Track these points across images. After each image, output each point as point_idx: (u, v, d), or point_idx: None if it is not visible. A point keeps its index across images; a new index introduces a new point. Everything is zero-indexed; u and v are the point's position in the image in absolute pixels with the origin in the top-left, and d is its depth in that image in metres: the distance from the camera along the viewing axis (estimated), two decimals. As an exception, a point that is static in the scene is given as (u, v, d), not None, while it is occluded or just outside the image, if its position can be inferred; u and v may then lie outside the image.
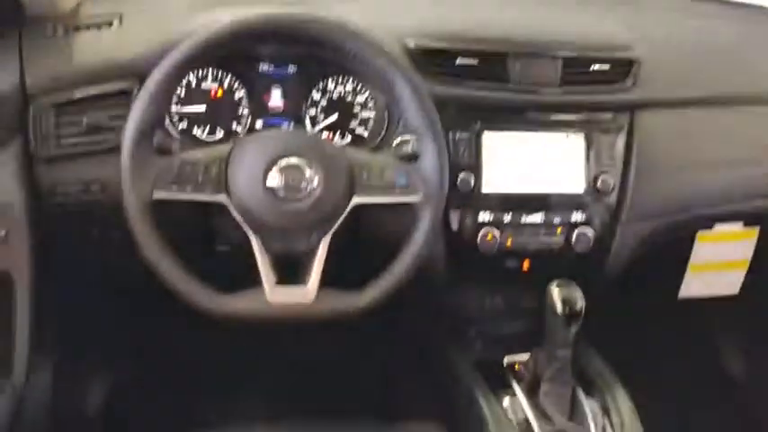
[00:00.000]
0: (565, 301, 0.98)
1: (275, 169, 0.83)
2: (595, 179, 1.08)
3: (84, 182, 0.94)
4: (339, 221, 0.86)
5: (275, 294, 0.83)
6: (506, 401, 1.05)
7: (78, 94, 0.93)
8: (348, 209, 0.86)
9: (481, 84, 1.05)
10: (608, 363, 1.16)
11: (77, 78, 0.94)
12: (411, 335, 1.34)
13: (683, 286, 1.23)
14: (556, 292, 0.99)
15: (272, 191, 0.83)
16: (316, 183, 0.84)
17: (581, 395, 1.05)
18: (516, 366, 1.11)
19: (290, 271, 0.88)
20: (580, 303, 0.98)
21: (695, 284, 1.24)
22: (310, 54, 1.02)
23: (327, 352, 1.36)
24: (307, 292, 0.84)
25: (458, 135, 1.04)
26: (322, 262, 0.85)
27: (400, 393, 1.27)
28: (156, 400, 1.31)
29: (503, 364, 1.12)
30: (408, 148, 0.94)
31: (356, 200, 0.86)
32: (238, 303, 0.83)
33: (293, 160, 0.84)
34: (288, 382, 1.38)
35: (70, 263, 1.03)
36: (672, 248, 1.22)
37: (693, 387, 1.45)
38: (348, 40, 0.90)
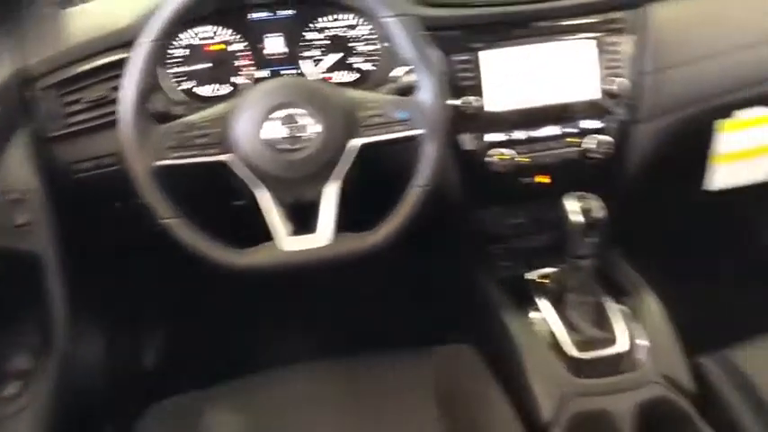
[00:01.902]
0: (583, 212, 0.98)
1: (272, 121, 0.83)
2: (610, 83, 1.05)
3: (97, 156, 0.96)
4: (347, 165, 0.87)
5: (290, 243, 0.85)
6: (533, 315, 1.07)
7: (76, 70, 0.95)
8: (353, 151, 0.87)
9: (475, 1, 1.03)
10: (637, 267, 1.17)
11: (73, 55, 0.95)
12: (439, 260, 1.35)
13: (707, 178, 1.20)
14: (572, 203, 0.99)
15: (271, 143, 0.83)
16: (315, 129, 0.84)
17: (608, 303, 1.06)
18: (540, 280, 1.12)
19: (307, 220, 0.90)
20: (598, 212, 0.98)
21: (721, 175, 1.21)
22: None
23: (358, 285, 1.39)
24: (320, 238, 0.86)
25: (456, 57, 1.03)
26: (334, 207, 0.86)
27: (429, 318, 1.30)
28: (206, 350, 1.38)
29: (527, 280, 1.14)
30: (404, 81, 0.94)
31: (359, 141, 0.86)
32: (255, 256, 0.85)
33: (289, 110, 0.84)
34: (324, 315, 1.43)
35: (98, 234, 1.07)
36: (694, 143, 1.19)
37: (728, 282, 1.45)
38: None
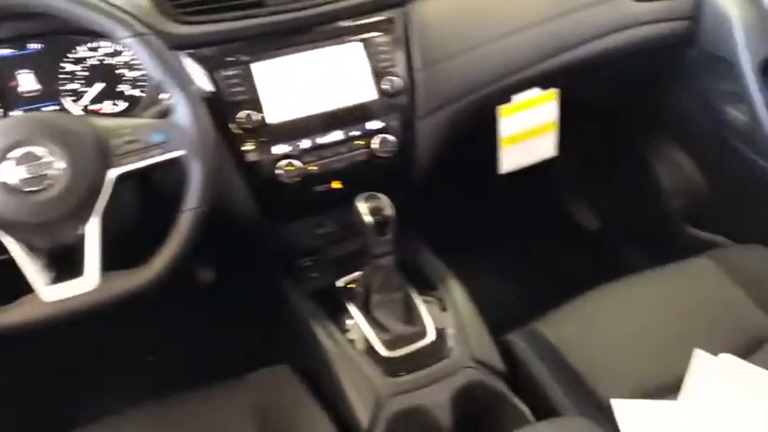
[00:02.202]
0: (373, 211, 0.99)
1: (7, 161, 0.76)
2: (385, 83, 1.07)
3: None
4: (105, 199, 0.81)
5: (51, 293, 0.78)
6: (347, 323, 1.06)
7: None
8: (109, 184, 0.81)
9: (235, 14, 1.01)
10: (444, 257, 1.19)
11: None
12: (248, 280, 1.32)
13: (500, 162, 1.25)
14: (362, 204, 0.99)
15: (9, 187, 0.76)
16: (59, 165, 0.77)
17: (415, 296, 1.07)
18: (349, 286, 1.12)
19: (75, 264, 0.83)
20: (387, 210, 0.99)
21: (512, 157, 1.27)
22: (49, 25, 0.94)
23: (167, 322, 1.33)
24: (87, 282, 0.79)
25: (225, 73, 1.00)
26: (97, 246, 0.80)
27: (243, 344, 1.27)
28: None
29: (337, 288, 1.12)
30: (165, 104, 0.89)
31: (114, 172, 0.81)
32: (13, 314, 0.78)
33: (26, 148, 0.77)
34: (135, 358, 1.36)
35: None
36: (484, 130, 1.24)
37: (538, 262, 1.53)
38: (60, 3, 0.82)
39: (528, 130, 1.26)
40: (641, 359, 1.05)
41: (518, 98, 1.22)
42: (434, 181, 1.18)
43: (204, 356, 1.36)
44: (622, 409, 0.99)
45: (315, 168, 1.05)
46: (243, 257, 1.29)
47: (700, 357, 1.04)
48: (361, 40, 1.06)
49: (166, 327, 1.46)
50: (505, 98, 1.22)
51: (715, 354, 1.05)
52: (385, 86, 1.07)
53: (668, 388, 1.02)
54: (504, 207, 1.57)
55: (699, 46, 1.29)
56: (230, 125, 1.00)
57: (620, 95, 1.44)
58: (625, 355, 1.05)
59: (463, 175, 1.34)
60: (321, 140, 1.05)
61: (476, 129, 1.22)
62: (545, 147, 1.30)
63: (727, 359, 1.05)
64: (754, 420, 0.97)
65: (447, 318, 1.06)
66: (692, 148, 1.44)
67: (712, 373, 1.02)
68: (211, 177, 0.84)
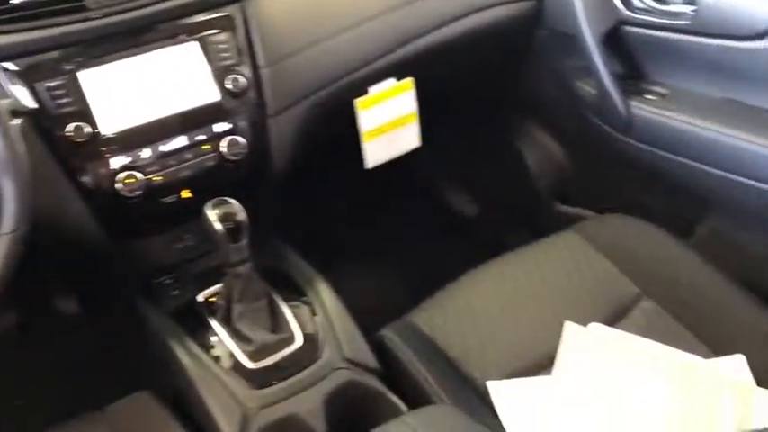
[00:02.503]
0: (223, 218, 0.94)
1: None
2: (228, 82, 1.02)
3: None
4: None
5: None
6: (211, 339, 1.00)
7: None
8: None
9: (52, 21, 0.93)
10: (319, 259, 1.15)
11: None
12: (112, 306, 1.24)
13: (366, 156, 1.23)
14: (210, 212, 0.94)
15: None
16: None
17: (281, 303, 1.03)
18: (210, 300, 1.06)
19: None
20: (239, 216, 0.94)
21: (376, 151, 1.25)
22: None
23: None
24: None
25: (48, 84, 0.92)
26: None
27: (110, 375, 1.18)
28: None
29: (199, 303, 1.06)
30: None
31: None
32: None
33: None
34: None
35: None
36: (345, 125, 1.21)
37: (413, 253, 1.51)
38: None
39: (389, 122, 1.24)
40: (515, 338, 1.04)
41: (374, 90, 1.20)
42: (301, 181, 1.14)
43: (74, 391, 1.26)
44: (498, 390, 0.98)
45: (159, 179, 0.99)
46: (101, 282, 1.20)
47: (570, 329, 1.05)
48: (198, 39, 1.01)
49: (34, 367, 1.35)
50: (362, 91, 1.19)
51: (585, 324, 1.06)
52: (229, 86, 1.02)
53: (542, 364, 1.02)
54: (380, 201, 1.55)
55: (546, 25, 1.31)
56: (59, 140, 0.92)
57: (478, 80, 1.45)
58: (499, 336, 1.05)
59: (333, 173, 1.30)
60: (164, 148, 0.99)
61: (338, 124, 1.19)
62: (408, 138, 1.28)
63: (597, 328, 1.06)
64: (626, 384, 0.98)
65: (316, 321, 1.02)
66: (553, 126, 1.47)
67: (583, 344, 1.03)
68: (26, 197, 0.77)
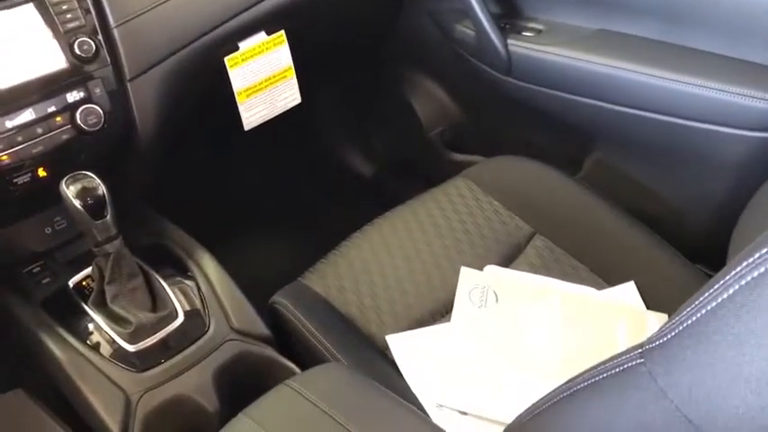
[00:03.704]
0: (80, 194, 0.86)
1: None
2: (74, 47, 0.93)
3: None
4: None
5: None
6: (89, 326, 0.93)
7: None
8: None
9: None
10: (198, 231, 1.09)
11: None
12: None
13: (243, 117, 1.16)
14: (66, 189, 0.86)
15: None
16: None
17: (159, 280, 0.96)
18: (84, 283, 0.98)
19: None
20: (97, 190, 0.86)
21: (254, 111, 1.18)
22: None
23: None
24: None
25: None
26: None
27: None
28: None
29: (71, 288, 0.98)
30: None
31: None
32: None
33: None
34: None
35: None
36: (216, 86, 1.13)
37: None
38: None
39: (265, 80, 1.18)
40: (411, 289, 1.02)
41: (244, 45, 1.13)
42: (179, 149, 1.06)
43: None
44: (397, 343, 0.95)
45: (6, 158, 0.89)
46: None
47: (466, 274, 1.03)
48: (32, 1, 0.91)
49: None
50: (232, 48, 1.12)
51: (481, 268, 1.05)
52: (77, 50, 0.92)
53: (441, 312, 1.00)
54: (272, 165, 1.48)
55: (421, -33, 1.28)
56: None
57: (356, 29, 1.40)
58: (395, 289, 1.02)
59: (216, 139, 1.23)
60: (10, 123, 0.89)
61: (210, 85, 1.11)
62: (288, 95, 1.22)
63: (492, 270, 1.05)
64: (523, 321, 0.98)
65: (202, 295, 0.96)
66: (438, 73, 1.44)
67: (479, 286, 1.02)
68: None
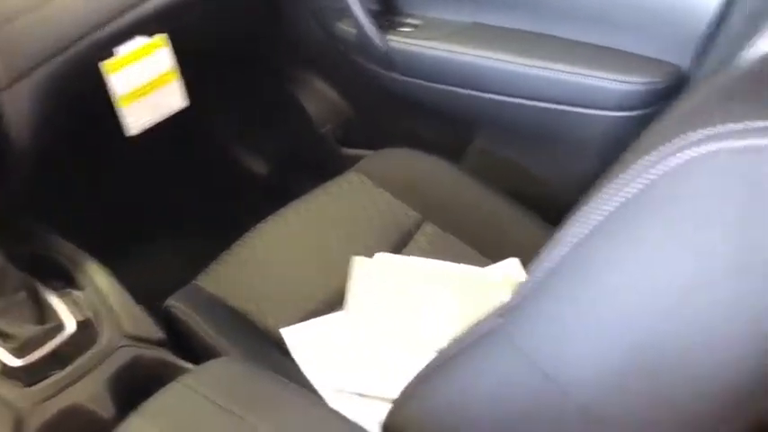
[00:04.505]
0: None
1: None
2: None
3: None
4: None
5: None
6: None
7: None
8: None
9: None
10: (86, 241, 1.07)
11: None
12: None
13: (125, 123, 1.14)
14: None
15: None
16: None
17: (45, 292, 0.94)
18: None
19: None
20: None
21: (138, 116, 1.17)
22: None
23: None
24: None
25: None
26: None
27: None
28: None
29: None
30: None
31: None
32: None
33: None
34: None
35: None
36: (96, 92, 1.11)
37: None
38: None
39: (147, 84, 1.16)
40: (305, 282, 1.04)
41: (122, 51, 1.11)
42: (63, 158, 1.04)
43: None
44: (292, 335, 0.97)
45: None
46: None
47: (358, 263, 1.06)
48: None
49: None
50: (108, 53, 1.10)
51: (372, 256, 1.09)
52: None
53: (335, 301, 1.03)
54: (163, 171, 1.47)
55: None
56: None
57: (239, 29, 1.40)
58: (289, 283, 1.04)
59: (104, 146, 1.21)
60: None
61: (90, 91, 1.09)
62: (172, 98, 1.21)
63: (383, 257, 1.09)
64: (414, 303, 1.02)
65: (91, 304, 0.95)
66: (325, 71, 1.47)
67: (371, 274, 1.05)
68: None
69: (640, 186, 0.44)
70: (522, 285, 0.54)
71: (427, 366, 0.64)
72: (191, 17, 1.20)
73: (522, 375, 0.53)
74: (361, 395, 0.92)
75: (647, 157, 0.44)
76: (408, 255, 1.10)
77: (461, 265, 1.08)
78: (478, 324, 0.58)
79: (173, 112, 1.22)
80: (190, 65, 1.21)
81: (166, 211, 1.44)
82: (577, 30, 1.15)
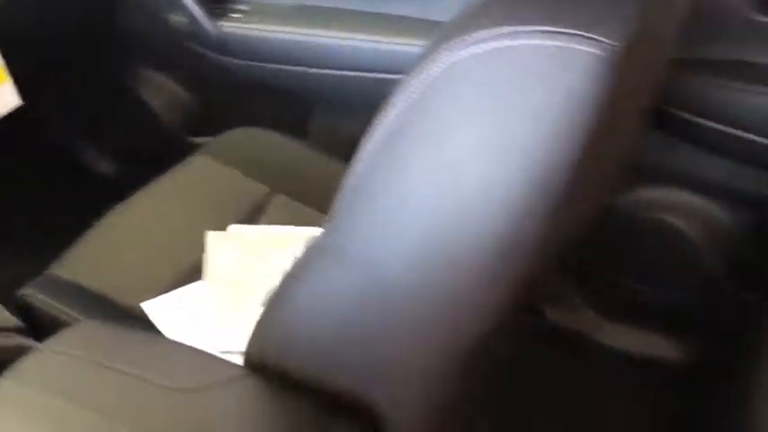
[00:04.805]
0: None
1: None
2: None
3: None
4: None
5: None
6: None
7: None
8: None
9: None
10: None
11: None
12: None
13: None
14: None
15: None
16: None
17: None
18: None
19: None
20: None
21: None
22: None
23: None
24: None
25: None
26: None
27: None
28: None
29: None
30: None
31: None
32: None
33: None
34: None
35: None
36: None
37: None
38: None
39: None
40: (161, 259, 1.08)
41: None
42: None
43: None
44: (154, 309, 1.01)
45: None
46: None
47: (212, 236, 1.11)
48: None
49: None
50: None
51: (225, 229, 1.14)
52: None
53: (193, 274, 1.07)
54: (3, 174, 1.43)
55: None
56: None
57: (71, 26, 1.40)
58: (147, 261, 1.07)
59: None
60: None
61: None
62: (5, 98, 1.20)
63: (236, 228, 1.14)
64: (266, 267, 1.09)
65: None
66: (166, 64, 1.50)
67: (226, 244, 1.11)
68: None
69: (422, 88, 0.55)
70: (336, 202, 0.62)
71: (274, 293, 0.71)
72: (21, 17, 1.20)
73: (344, 274, 0.62)
74: (225, 353, 0.97)
75: (429, 58, 0.55)
76: (262, 224, 1.16)
77: (310, 228, 1.16)
78: (309, 244, 0.66)
79: (4, 113, 1.21)
80: (24, 64, 1.20)
81: (11, 218, 1.41)
82: (396, 3, 1.26)
